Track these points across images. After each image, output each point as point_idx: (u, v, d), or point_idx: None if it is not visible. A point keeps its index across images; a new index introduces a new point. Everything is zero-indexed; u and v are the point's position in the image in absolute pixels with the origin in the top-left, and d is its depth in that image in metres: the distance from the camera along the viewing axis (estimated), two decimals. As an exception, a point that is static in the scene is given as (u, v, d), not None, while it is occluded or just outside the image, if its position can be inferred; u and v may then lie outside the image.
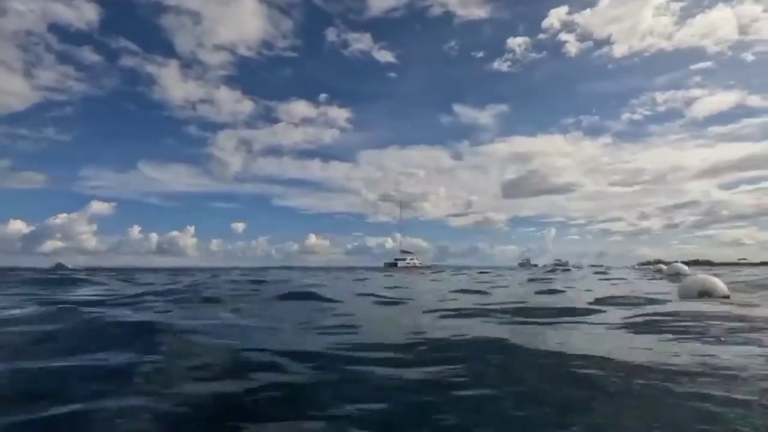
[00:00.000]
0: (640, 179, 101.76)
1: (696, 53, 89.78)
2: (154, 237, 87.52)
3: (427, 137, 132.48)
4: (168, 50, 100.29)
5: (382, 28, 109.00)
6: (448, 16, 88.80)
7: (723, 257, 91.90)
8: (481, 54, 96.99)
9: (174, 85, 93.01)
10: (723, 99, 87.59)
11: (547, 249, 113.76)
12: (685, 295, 3.98)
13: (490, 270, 33.07)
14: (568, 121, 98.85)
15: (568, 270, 33.53)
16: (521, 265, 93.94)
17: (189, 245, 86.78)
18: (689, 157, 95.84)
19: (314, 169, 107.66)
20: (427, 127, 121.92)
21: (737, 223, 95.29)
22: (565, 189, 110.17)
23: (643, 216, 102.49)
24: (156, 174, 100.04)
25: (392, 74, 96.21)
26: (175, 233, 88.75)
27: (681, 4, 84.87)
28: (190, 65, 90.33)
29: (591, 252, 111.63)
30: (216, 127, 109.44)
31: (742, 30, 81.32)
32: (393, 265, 66.55)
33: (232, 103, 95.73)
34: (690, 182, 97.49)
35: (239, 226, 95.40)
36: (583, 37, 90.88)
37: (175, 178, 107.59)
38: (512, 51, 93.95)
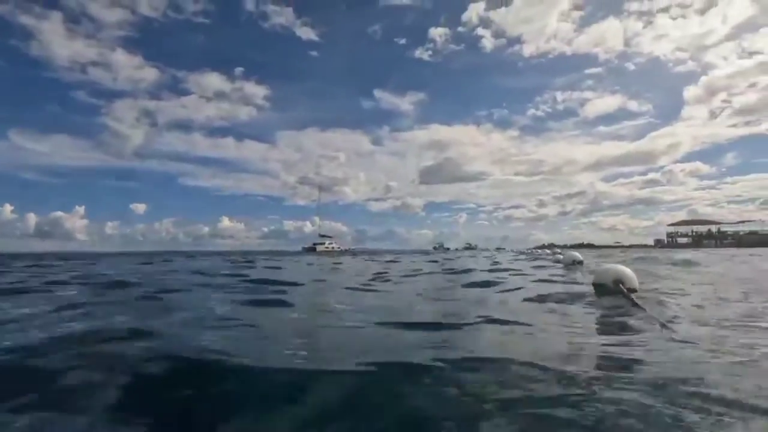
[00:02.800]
0: (540, 170, 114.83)
1: (590, 59, 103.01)
2: (31, 218, 73.19)
3: (348, 121, 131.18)
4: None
5: (304, 2, 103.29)
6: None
7: (602, 240, 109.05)
8: (403, 41, 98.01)
9: (57, 42, 76.44)
10: (609, 102, 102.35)
11: (459, 233, 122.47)
12: (599, 282, 3.85)
13: (404, 254, 33.59)
14: (482, 113, 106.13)
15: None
16: (435, 248, 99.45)
17: (78, 228, 74.44)
18: (580, 152, 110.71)
19: (228, 147, 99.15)
20: (347, 110, 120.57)
21: (614, 211, 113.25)
22: (476, 177, 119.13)
23: (541, 204, 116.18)
24: (32, 145, 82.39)
25: (314, 53, 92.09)
26: (59, 214, 75.16)
27: (580, 13, 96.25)
28: (77, 20, 75.21)
29: (496, 236, 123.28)
30: (111, 95, 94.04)
31: (627, 42, 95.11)
32: (312, 250, 64.83)
33: (131, 69, 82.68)
34: (580, 174, 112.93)
35: (139, 207, 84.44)
36: (497, 34, 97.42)
37: (58, 150, 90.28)
38: (433, 41, 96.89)
